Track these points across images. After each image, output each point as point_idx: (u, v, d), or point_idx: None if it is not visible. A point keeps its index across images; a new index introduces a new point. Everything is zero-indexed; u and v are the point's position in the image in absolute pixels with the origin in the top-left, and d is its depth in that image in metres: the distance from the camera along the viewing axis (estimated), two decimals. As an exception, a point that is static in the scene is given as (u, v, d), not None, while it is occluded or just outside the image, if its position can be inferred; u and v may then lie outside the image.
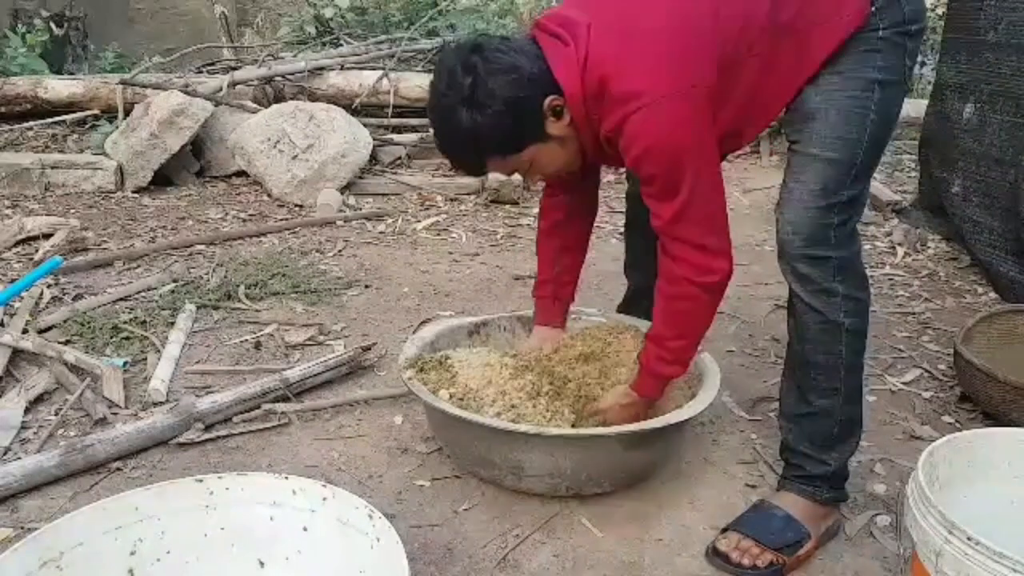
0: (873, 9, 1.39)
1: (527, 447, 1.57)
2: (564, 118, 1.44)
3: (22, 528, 1.56)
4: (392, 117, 4.62)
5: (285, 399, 2.02)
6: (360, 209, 3.79)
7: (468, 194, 4.01)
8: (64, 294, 2.67)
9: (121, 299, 2.63)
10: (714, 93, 1.40)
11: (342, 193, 3.87)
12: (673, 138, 1.39)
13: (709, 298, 1.51)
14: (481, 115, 1.39)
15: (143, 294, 2.68)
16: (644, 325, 1.87)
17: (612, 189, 4.06)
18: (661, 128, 1.38)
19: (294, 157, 3.89)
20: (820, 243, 1.45)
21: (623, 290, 2.15)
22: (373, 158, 4.22)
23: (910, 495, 1.21)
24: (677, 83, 1.36)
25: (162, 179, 4.04)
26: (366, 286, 2.84)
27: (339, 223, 3.55)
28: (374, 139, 4.20)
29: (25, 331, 2.30)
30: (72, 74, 5.72)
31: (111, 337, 2.35)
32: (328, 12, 5.94)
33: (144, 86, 4.49)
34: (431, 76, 1.48)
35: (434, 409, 1.64)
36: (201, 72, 5.15)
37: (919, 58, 6.02)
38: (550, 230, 1.86)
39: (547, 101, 1.42)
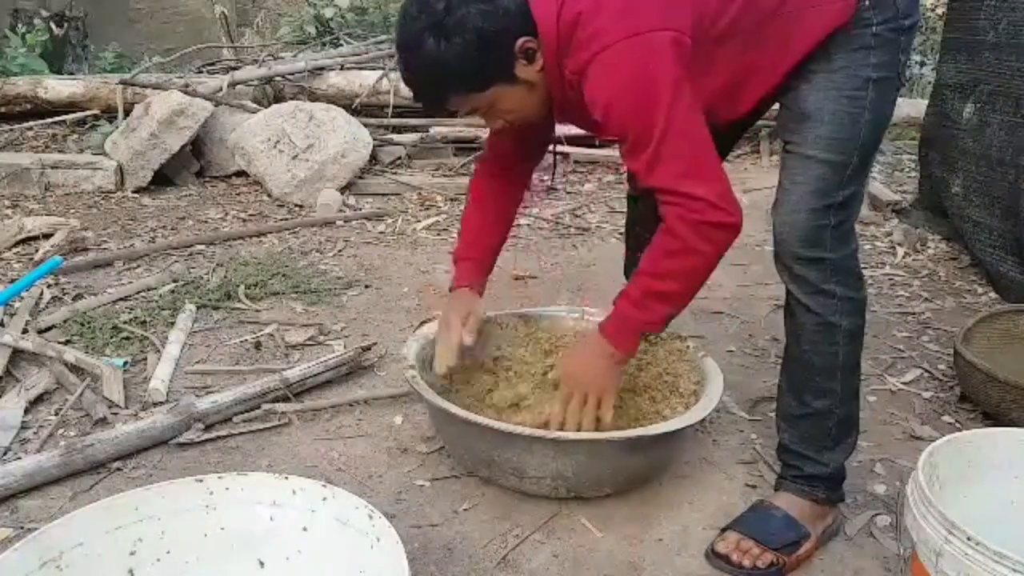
0: (866, 4, 1.38)
1: (528, 450, 1.57)
2: (536, 63, 1.39)
3: (22, 528, 1.56)
4: (392, 117, 4.62)
5: (285, 399, 2.02)
6: (360, 209, 3.79)
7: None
8: (64, 294, 2.68)
9: (121, 299, 2.63)
10: (688, 51, 1.34)
11: (342, 193, 3.87)
12: (637, 80, 1.32)
13: (700, 245, 1.38)
14: (449, 44, 1.33)
15: (143, 294, 2.68)
16: None
17: (612, 190, 4.06)
18: (623, 70, 1.32)
19: (294, 157, 3.89)
20: (816, 244, 1.44)
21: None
22: (373, 158, 4.23)
23: (910, 495, 1.21)
24: (648, 24, 1.31)
25: (162, 179, 4.04)
26: (366, 286, 2.84)
27: (339, 223, 3.55)
28: (374, 139, 4.20)
29: (25, 331, 2.30)
30: (72, 74, 5.72)
31: (111, 337, 2.35)
32: (328, 12, 5.95)
33: (144, 86, 4.49)
34: None
35: (436, 409, 1.64)
36: (201, 72, 5.16)
37: (919, 58, 6.04)
38: (480, 201, 1.80)
39: (520, 42, 1.36)
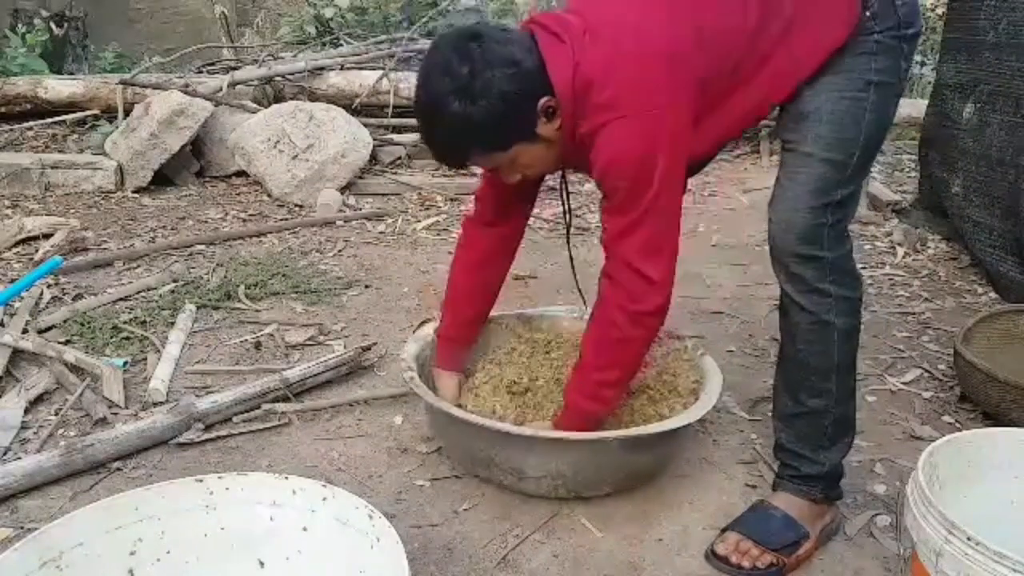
0: (868, 14, 1.39)
1: (527, 450, 1.57)
2: (555, 121, 1.42)
3: (22, 528, 1.56)
4: (392, 117, 4.62)
5: (285, 399, 2.02)
6: (360, 209, 3.79)
7: (468, 194, 4.00)
8: (64, 294, 2.68)
9: (121, 299, 2.63)
10: (694, 113, 1.40)
11: (342, 193, 3.87)
12: (644, 152, 1.38)
13: (637, 332, 1.49)
14: (474, 107, 1.35)
15: (143, 294, 2.68)
16: None
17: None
18: (635, 141, 1.38)
19: (294, 157, 3.89)
20: (812, 243, 1.44)
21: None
22: (373, 158, 4.23)
23: (910, 495, 1.21)
24: (658, 101, 1.36)
25: (162, 179, 4.04)
26: (366, 286, 2.84)
27: (339, 223, 3.55)
28: (374, 139, 4.20)
29: (25, 331, 2.30)
30: (72, 74, 5.72)
31: (111, 337, 2.35)
32: (328, 12, 5.95)
33: (144, 86, 4.49)
34: (424, 59, 1.44)
35: (434, 410, 1.64)
36: (201, 72, 5.16)
37: (919, 58, 6.04)
38: (472, 265, 1.78)
39: (543, 101, 1.40)
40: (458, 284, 1.81)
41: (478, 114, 1.36)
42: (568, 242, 1.88)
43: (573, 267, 1.92)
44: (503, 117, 1.38)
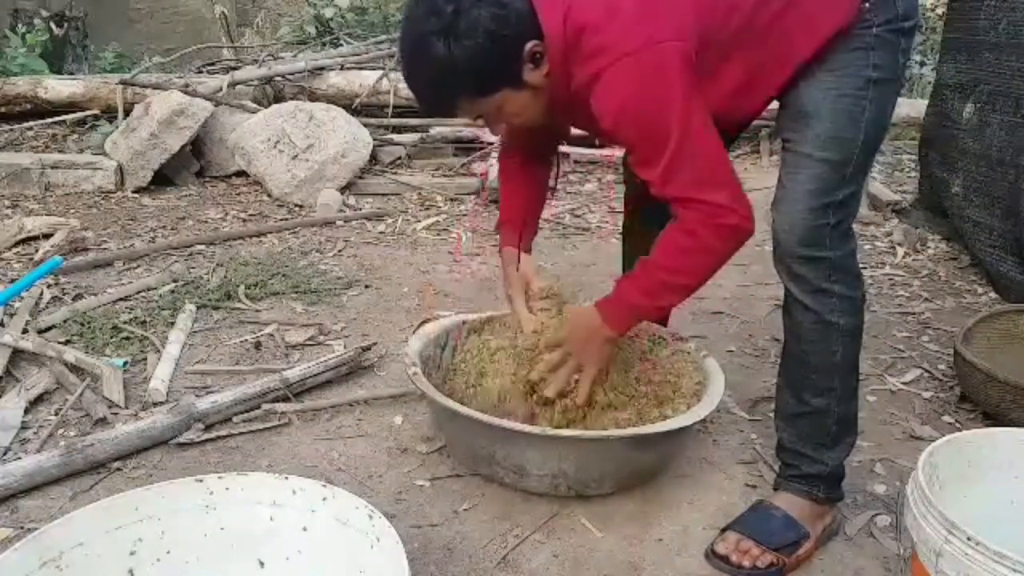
0: (866, 6, 1.38)
1: (529, 447, 1.57)
2: (542, 67, 1.38)
3: (22, 528, 1.56)
4: (392, 117, 4.62)
5: (285, 399, 2.02)
6: (360, 209, 3.79)
7: (468, 194, 4.01)
8: (64, 294, 2.67)
9: (121, 299, 2.63)
10: (693, 61, 1.35)
11: (342, 193, 3.88)
12: (649, 92, 1.33)
13: (718, 244, 1.41)
14: (459, 47, 1.31)
15: (143, 294, 2.68)
16: (653, 326, 1.88)
17: (612, 190, 4.06)
18: (635, 82, 1.32)
19: (294, 157, 3.89)
20: (815, 243, 1.44)
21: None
22: (373, 158, 4.23)
23: (910, 495, 1.21)
24: (653, 36, 1.31)
25: (162, 179, 4.05)
26: (366, 286, 2.84)
27: (339, 223, 3.55)
28: (374, 139, 4.20)
29: (25, 331, 2.30)
30: (72, 74, 5.72)
31: (111, 337, 2.35)
32: (328, 12, 5.95)
33: (144, 86, 4.49)
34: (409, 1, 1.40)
35: (437, 405, 1.64)
36: (201, 72, 5.16)
37: (919, 58, 6.04)
38: (508, 175, 1.82)
39: (529, 45, 1.35)
40: (503, 189, 1.83)
41: (463, 54, 1.31)
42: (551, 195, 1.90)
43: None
44: (488, 58, 1.33)
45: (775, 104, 1.53)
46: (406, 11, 1.41)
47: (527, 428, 1.55)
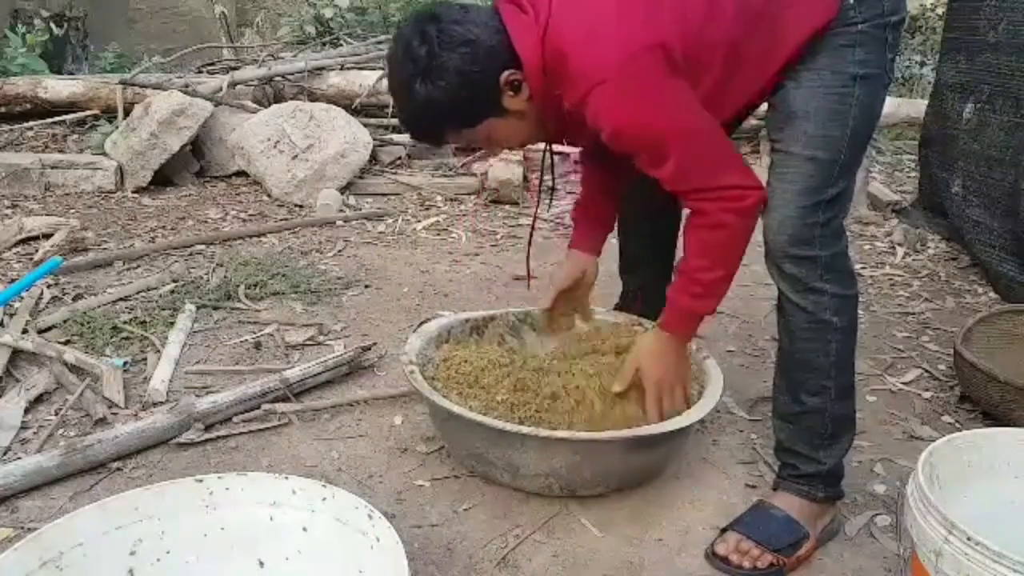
0: (851, 2, 1.38)
1: (524, 447, 1.57)
2: (522, 92, 1.42)
3: (22, 528, 1.56)
4: (392, 117, 4.62)
5: (285, 399, 2.02)
6: (360, 209, 3.79)
7: (468, 194, 4.01)
8: (64, 294, 2.67)
9: (121, 299, 2.63)
10: (677, 57, 1.36)
11: (342, 193, 3.88)
12: (635, 110, 1.36)
13: (744, 222, 1.46)
14: (436, 88, 1.38)
15: (143, 294, 2.68)
16: (650, 324, 1.87)
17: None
18: (618, 105, 1.36)
19: (294, 157, 3.89)
20: (806, 242, 1.44)
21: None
22: (373, 158, 4.23)
23: (910, 495, 1.21)
24: (628, 50, 1.33)
25: (162, 179, 4.04)
26: (366, 286, 2.84)
27: (339, 223, 3.55)
28: (374, 139, 4.20)
29: (25, 331, 2.30)
30: (72, 74, 5.72)
31: (111, 337, 2.35)
32: (328, 12, 5.95)
33: (144, 86, 4.49)
34: (390, 45, 1.47)
35: (433, 404, 1.64)
36: (201, 72, 5.15)
37: (919, 58, 6.04)
38: (585, 176, 1.88)
39: (504, 75, 1.40)
40: (585, 175, 1.87)
41: (441, 95, 1.39)
42: (536, 209, 2.00)
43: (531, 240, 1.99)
44: (465, 95, 1.40)
45: (765, 105, 1.53)
46: (388, 52, 1.47)
47: (522, 429, 1.55)
